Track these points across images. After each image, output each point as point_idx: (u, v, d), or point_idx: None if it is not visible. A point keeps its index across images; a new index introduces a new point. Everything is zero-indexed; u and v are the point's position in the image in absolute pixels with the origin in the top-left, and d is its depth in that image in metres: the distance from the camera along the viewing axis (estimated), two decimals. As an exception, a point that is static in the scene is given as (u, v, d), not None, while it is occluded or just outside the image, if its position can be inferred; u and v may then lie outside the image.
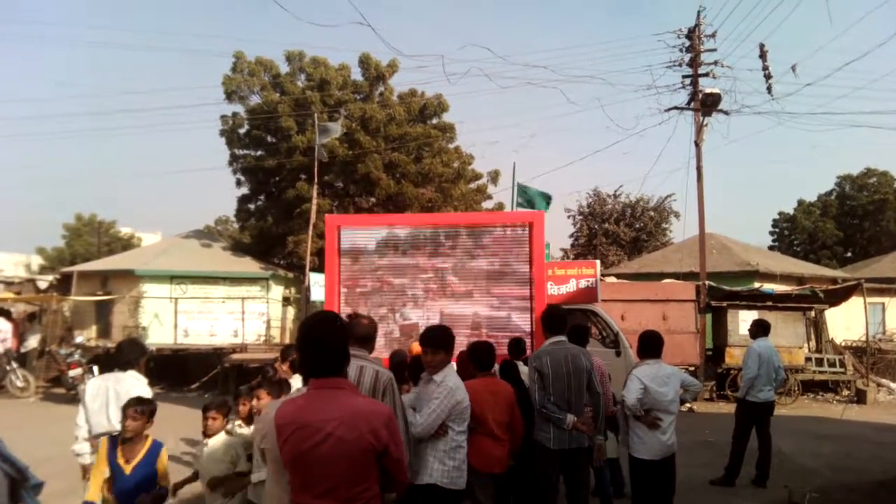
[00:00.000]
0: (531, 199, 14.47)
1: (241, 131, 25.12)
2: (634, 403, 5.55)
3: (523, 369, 7.15)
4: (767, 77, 15.85)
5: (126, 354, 4.85)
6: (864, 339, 19.07)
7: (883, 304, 22.50)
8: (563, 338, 5.51)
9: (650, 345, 5.91)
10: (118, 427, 4.64)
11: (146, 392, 4.83)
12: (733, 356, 15.07)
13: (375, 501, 2.67)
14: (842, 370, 16.44)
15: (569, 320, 5.84)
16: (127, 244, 42.04)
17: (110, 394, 4.66)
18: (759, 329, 8.27)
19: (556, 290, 11.66)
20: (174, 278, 20.88)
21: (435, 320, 10.26)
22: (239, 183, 25.77)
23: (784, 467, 8.48)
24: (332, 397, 2.66)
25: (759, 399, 7.94)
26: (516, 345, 7.39)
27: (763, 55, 15.71)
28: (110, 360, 9.48)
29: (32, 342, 17.21)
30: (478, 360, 5.18)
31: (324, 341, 2.72)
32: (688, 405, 13.78)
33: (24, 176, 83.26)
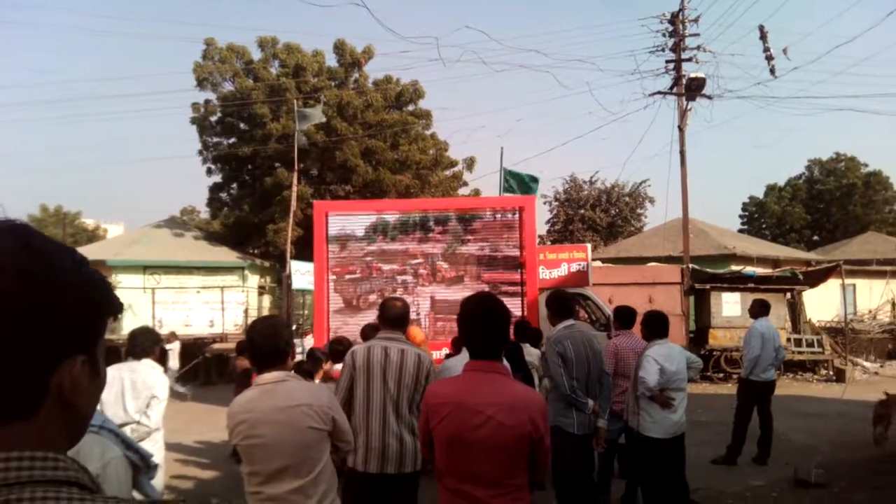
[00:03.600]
0: (520, 183, 14.39)
1: (213, 119, 24.64)
2: (655, 385, 5.51)
3: (531, 351, 7.11)
4: (769, 59, 15.88)
5: (140, 343, 4.65)
6: (836, 319, 19.44)
7: (854, 285, 22.97)
8: (573, 321, 5.41)
9: (658, 325, 5.87)
10: (135, 418, 4.47)
11: (163, 380, 4.66)
12: (717, 337, 15.24)
13: (521, 491, 2.57)
14: (819, 350, 16.72)
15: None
16: (92, 235, 41.21)
17: (126, 383, 4.47)
18: (761, 308, 8.30)
19: (547, 274, 11.64)
20: (147, 268, 20.46)
21: (426, 306, 10.19)
22: (210, 171, 25.31)
23: (782, 445, 8.55)
24: (491, 381, 2.59)
25: (762, 378, 7.99)
26: (522, 327, 7.31)
27: (764, 36, 15.75)
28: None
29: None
30: None
31: (493, 324, 2.65)
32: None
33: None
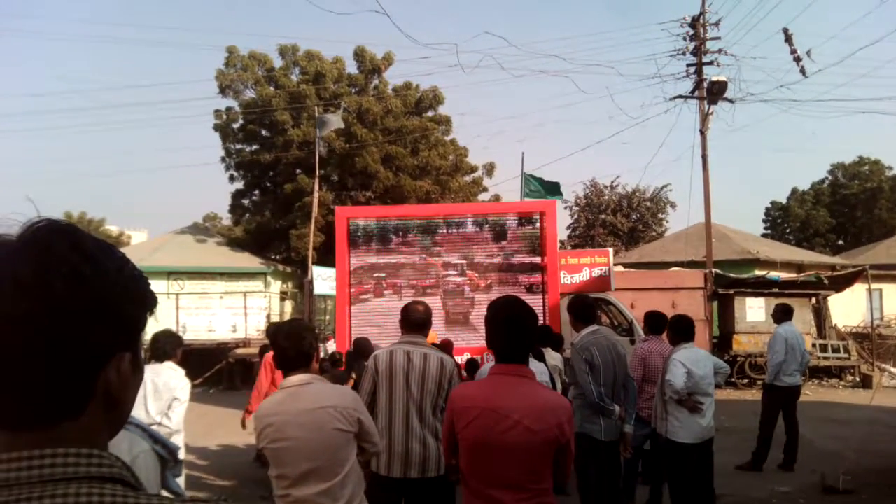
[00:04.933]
0: (540, 189, 14.37)
1: (236, 126, 24.88)
2: (683, 388, 5.46)
3: (552, 355, 7.10)
4: (797, 60, 15.67)
5: (163, 346, 4.71)
6: (862, 324, 19.15)
7: (881, 290, 22.64)
8: (597, 326, 5.36)
9: (685, 329, 5.85)
10: (157, 419, 4.52)
11: (185, 383, 4.71)
12: (741, 343, 15.09)
13: (547, 496, 2.57)
14: (846, 356, 16.48)
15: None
16: (116, 242, 41.65)
17: (148, 386, 4.54)
18: (784, 314, 8.22)
19: (569, 279, 11.60)
20: (171, 274, 20.66)
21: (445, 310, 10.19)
22: (232, 178, 25.53)
23: (808, 451, 8.44)
24: (517, 385, 2.59)
25: (787, 384, 7.91)
26: (543, 332, 7.29)
27: (789, 39, 15.54)
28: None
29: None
30: None
31: (521, 328, 2.65)
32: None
33: (11, 173, 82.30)
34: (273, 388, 6.59)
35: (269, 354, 6.83)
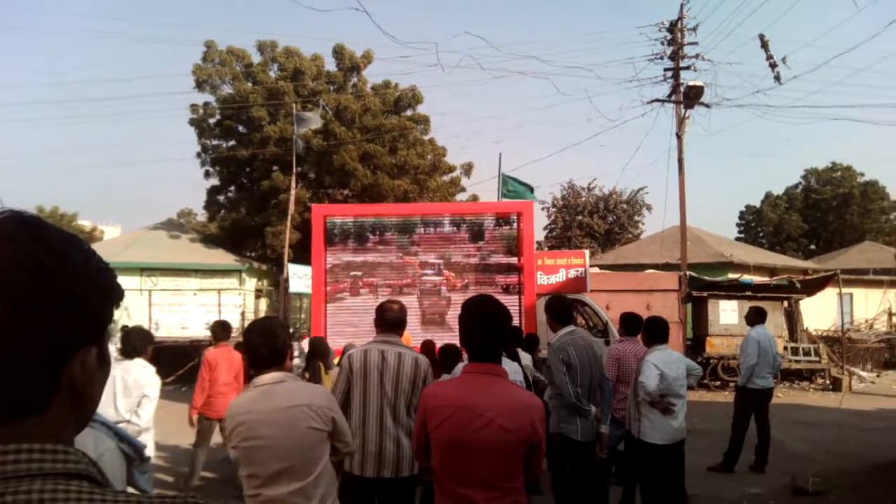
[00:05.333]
0: (516, 190, 14.42)
1: (212, 121, 24.62)
2: (655, 389, 5.49)
3: (523, 355, 7.10)
4: (773, 66, 15.87)
5: (133, 342, 4.63)
6: (833, 328, 19.46)
7: (851, 294, 23.03)
8: (573, 327, 5.36)
9: (659, 331, 5.89)
10: (126, 417, 4.45)
11: (154, 380, 4.63)
12: (714, 345, 15.25)
13: (518, 494, 2.57)
14: (816, 359, 16.73)
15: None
16: (89, 237, 41.06)
17: (117, 383, 4.46)
18: (757, 316, 8.31)
19: (545, 280, 11.63)
20: (144, 270, 20.36)
21: (421, 309, 10.18)
22: (208, 174, 25.23)
23: (778, 453, 8.54)
24: (491, 384, 2.58)
25: (759, 386, 8.00)
26: (514, 334, 7.29)
27: (765, 45, 15.75)
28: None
29: None
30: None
31: (496, 326, 2.64)
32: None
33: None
34: (212, 385, 6.69)
35: (209, 352, 6.91)
